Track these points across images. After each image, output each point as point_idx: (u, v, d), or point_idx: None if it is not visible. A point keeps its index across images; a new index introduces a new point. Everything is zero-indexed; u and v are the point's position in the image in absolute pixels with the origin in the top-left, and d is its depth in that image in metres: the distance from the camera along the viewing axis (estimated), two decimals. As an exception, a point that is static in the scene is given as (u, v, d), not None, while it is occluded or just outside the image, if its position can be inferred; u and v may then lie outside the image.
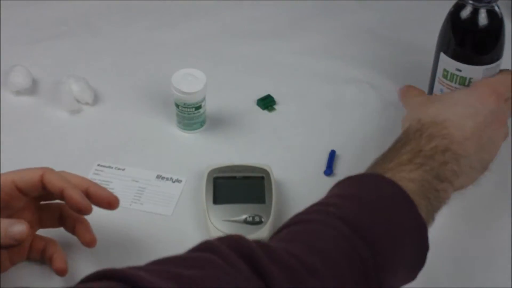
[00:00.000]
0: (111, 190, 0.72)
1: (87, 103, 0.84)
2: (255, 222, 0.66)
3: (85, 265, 0.64)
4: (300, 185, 0.74)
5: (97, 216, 0.69)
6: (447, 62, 0.69)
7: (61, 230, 0.65)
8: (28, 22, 0.99)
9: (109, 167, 0.75)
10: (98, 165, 0.76)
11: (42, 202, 0.63)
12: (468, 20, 0.67)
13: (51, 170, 0.59)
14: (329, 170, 0.76)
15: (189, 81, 0.76)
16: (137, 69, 0.91)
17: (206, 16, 1.03)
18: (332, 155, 0.77)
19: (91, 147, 0.78)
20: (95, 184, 0.61)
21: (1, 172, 0.59)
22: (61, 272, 0.61)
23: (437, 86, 0.73)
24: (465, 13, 0.67)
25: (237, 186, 0.70)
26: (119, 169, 0.75)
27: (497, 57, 0.68)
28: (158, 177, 0.75)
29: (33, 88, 0.86)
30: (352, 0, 1.08)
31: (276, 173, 0.72)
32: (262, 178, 0.70)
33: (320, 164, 0.77)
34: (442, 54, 0.70)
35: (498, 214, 0.74)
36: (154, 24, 1.01)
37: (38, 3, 1.02)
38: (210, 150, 0.79)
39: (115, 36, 0.97)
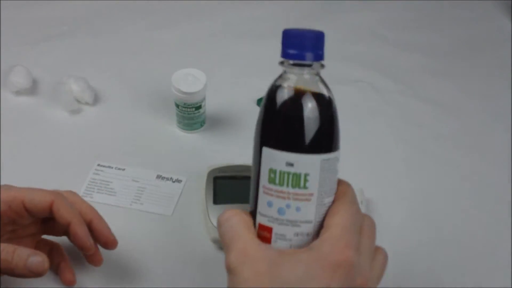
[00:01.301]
0: (111, 190, 0.72)
1: (87, 103, 0.84)
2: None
3: (85, 265, 0.64)
4: (300, 185, 0.74)
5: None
6: (273, 157, 0.48)
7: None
8: (28, 22, 0.99)
9: (109, 167, 0.75)
10: (98, 165, 0.76)
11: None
12: (288, 92, 0.49)
13: (62, 197, 0.58)
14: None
15: (189, 81, 0.76)
16: (137, 69, 0.91)
17: (206, 16, 1.03)
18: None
19: (91, 147, 0.78)
20: (101, 218, 0.61)
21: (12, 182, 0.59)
22: (70, 284, 0.61)
23: (262, 199, 0.49)
24: (281, 82, 0.50)
25: (237, 186, 0.70)
26: (119, 169, 0.75)
27: (336, 144, 0.51)
28: (158, 177, 0.75)
29: (33, 88, 0.86)
30: (353, 0, 1.09)
31: (276, 173, 0.72)
32: (262, 178, 0.70)
33: (320, 164, 0.77)
34: (265, 149, 0.48)
35: (498, 214, 0.74)
36: (154, 24, 1.01)
37: (38, 3, 1.02)
38: (210, 150, 0.79)
39: (115, 36, 0.97)
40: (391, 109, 0.87)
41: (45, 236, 0.64)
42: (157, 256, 0.66)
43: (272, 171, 0.48)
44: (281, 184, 0.48)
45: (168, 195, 0.73)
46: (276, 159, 0.48)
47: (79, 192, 0.72)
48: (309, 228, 0.48)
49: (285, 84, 0.49)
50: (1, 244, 0.53)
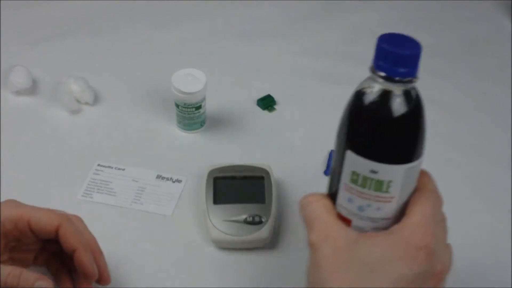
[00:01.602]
0: (111, 190, 0.72)
1: (87, 103, 0.84)
2: (255, 222, 0.66)
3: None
4: (300, 185, 0.74)
5: (97, 215, 0.69)
6: (357, 163, 0.48)
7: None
8: (28, 22, 0.99)
9: (109, 167, 0.75)
10: (98, 165, 0.76)
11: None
12: (381, 106, 0.48)
13: (69, 222, 0.57)
14: (329, 170, 0.76)
15: (189, 81, 0.76)
16: (137, 69, 0.91)
17: (206, 16, 1.03)
18: (332, 155, 0.77)
19: (91, 147, 0.78)
20: (101, 252, 0.60)
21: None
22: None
23: (343, 194, 0.50)
24: (375, 96, 0.48)
25: (237, 186, 0.70)
26: (119, 169, 0.75)
27: (421, 151, 0.50)
28: (158, 177, 0.75)
29: (33, 88, 0.86)
30: (353, 0, 1.09)
31: (276, 173, 0.72)
32: (262, 178, 0.70)
33: (320, 164, 0.77)
34: (349, 153, 0.49)
35: (498, 214, 0.74)
36: (154, 24, 1.01)
37: (38, 3, 1.02)
38: (210, 150, 0.79)
39: (115, 36, 0.97)
40: (391, 109, 0.87)
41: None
42: (157, 256, 0.66)
43: (355, 173, 0.49)
44: (363, 186, 0.49)
45: (168, 195, 0.73)
46: (360, 164, 0.48)
47: (79, 192, 0.72)
48: (388, 223, 0.50)
49: (375, 94, 0.48)
50: (8, 267, 0.53)
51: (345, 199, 0.50)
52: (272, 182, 0.70)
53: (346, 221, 0.50)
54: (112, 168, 0.75)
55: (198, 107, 0.78)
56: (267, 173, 0.71)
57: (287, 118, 0.85)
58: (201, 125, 0.81)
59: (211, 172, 0.71)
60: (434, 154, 0.81)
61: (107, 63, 0.92)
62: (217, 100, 0.84)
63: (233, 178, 0.71)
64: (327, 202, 0.51)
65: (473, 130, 0.85)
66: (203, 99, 0.78)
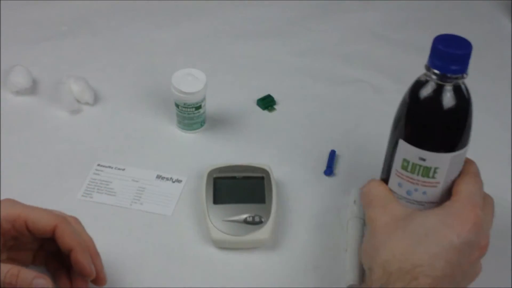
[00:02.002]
0: (111, 190, 0.72)
1: (87, 103, 0.84)
2: (255, 222, 0.66)
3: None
4: (300, 185, 0.74)
5: (97, 215, 0.69)
6: (408, 151, 0.55)
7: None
8: (28, 22, 0.99)
9: (109, 167, 0.75)
10: (98, 165, 0.76)
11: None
12: (434, 100, 0.54)
13: (66, 222, 0.57)
14: (329, 170, 0.76)
15: (189, 81, 0.76)
16: (137, 69, 0.91)
17: (206, 16, 1.03)
18: (332, 155, 0.77)
19: (91, 147, 0.78)
20: (97, 253, 0.60)
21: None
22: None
23: (394, 179, 0.58)
24: (429, 91, 0.54)
25: (237, 186, 0.70)
26: (119, 169, 0.75)
27: (466, 140, 0.57)
28: (158, 177, 0.75)
29: (33, 88, 0.86)
30: (353, 0, 1.09)
31: (276, 173, 0.72)
32: (262, 178, 0.70)
33: (320, 164, 0.77)
34: (401, 142, 0.56)
35: (498, 214, 0.74)
36: (154, 24, 1.01)
37: (38, 3, 1.02)
38: (210, 150, 0.79)
39: (115, 36, 0.97)
40: (391, 109, 0.87)
41: None
42: (157, 256, 0.66)
43: (405, 160, 0.56)
44: (412, 172, 0.56)
45: (168, 195, 0.73)
46: (411, 152, 0.55)
47: (79, 192, 0.72)
48: (433, 206, 0.57)
49: (429, 89, 0.54)
50: (7, 265, 0.53)
51: (396, 184, 0.58)
52: (272, 182, 0.70)
53: None
54: (112, 168, 0.75)
55: (198, 107, 0.78)
56: (267, 173, 0.71)
57: (287, 118, 0.85)
58: (201, 125, 0.81)
59: (211, 172, 0.71)
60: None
61: (107, 63, 0.92)
62: (217, 100, 0.84)
63: (233, 178, 0.71)
64: (386, 186, 0.59)
65: (473, 130, 0.85)
66: (203, 99, 0.78)
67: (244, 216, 0.67)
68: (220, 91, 0.85)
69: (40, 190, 0.72)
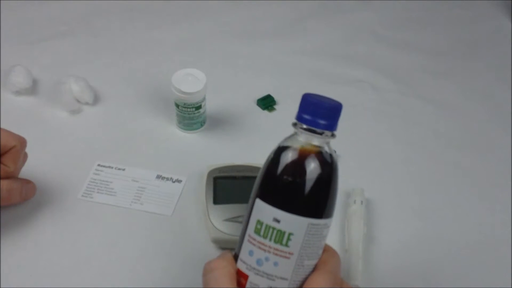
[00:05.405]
0: (111, 190, 0.72)
1: (87, 103, 0.84)
2: (255, 222, 0.66)
3: (84, 266, 0.64)
4: (300, 185, 0.74)
5: (97, 215, 0.69)
6: (262, 210, 0.49)
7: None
8: (28, 22, 0.99)
9: (109, 167, 0.75)
10: (98, 165, 0.76)
11: None
12: (292, 152, 0.50)
13: (23, 147, 0.64)
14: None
15: (189, 81, 0.76)
16: (137, 69, 0.91)
17: (206, 16, 1.03)
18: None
19: (91, 147, 0.78)
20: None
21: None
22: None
23: (245, 247, 0.50)
24: (289, 143, 0.51)
25: (237, 186, 0.70)
26: (119, 169, 0.75)
27: (327, 212, 0.50)
28: (158, 177, 0.75)
29: (33, 88, 0.86)
30: (352, 0, 1.09)
31: (276, 173, 0.72)
32: (262, 178, 0.70)
33: (320, 164, 0.77)
34: (257, 201, 0.50)
35: (498, 214, 0.74)
36: (154, 24, 1.01)
37: (38, 3, 1.02)
38: (210, 150, 0.79)
39: (115, 36, 0.97)
40: (391, 109, 0.87)
41: None
42: (157, 256, 0.66)
43: (259, 222, 0.49)
44: (265, 236, 0.49)
45: (168, 195, 0.73)
46: (265, 212, 0.49)
47: (79, 192, 0.72)
48: (284, 284, 0.49)
49: (291, 146, 0.50)
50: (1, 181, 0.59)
51: (247, 252, 0.50)
52: (272, 182, 0.70)
53: (243, 277, 0.50)
54: (112, 168, 0.75)
55: (198, 107, 0.78)
56: (267, 173, 0.71)
57: (287, 118, 0.84)
58: (201, 125, 0.81)
59: (211, 172, 0.71)
60: (434, 154, 0.82)
61: (107, 63, 0.92)
62: (217, 100, 0.84)
63: (233, 178, 0.71)
64: (231, 270, 0.50)
65: (473, 130, 0.85)
66: (203, 99, 0.78)
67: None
68: (220, 91, 0.85)
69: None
